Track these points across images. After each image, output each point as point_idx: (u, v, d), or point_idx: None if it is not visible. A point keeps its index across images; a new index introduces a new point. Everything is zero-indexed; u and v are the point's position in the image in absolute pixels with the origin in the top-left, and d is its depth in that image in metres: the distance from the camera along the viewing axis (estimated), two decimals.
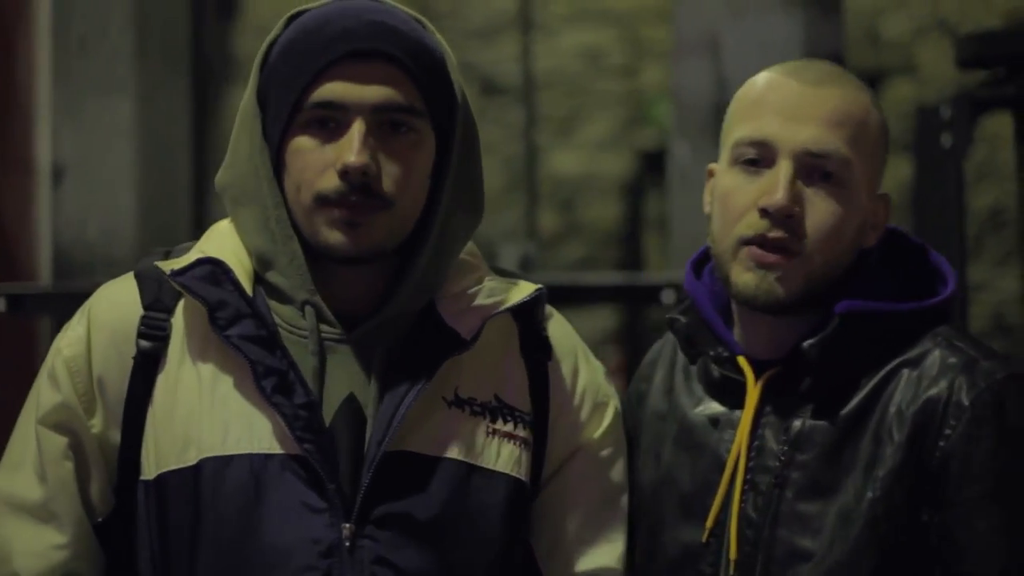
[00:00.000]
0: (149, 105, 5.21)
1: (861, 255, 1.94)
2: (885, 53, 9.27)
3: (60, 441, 1.88)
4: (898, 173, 8.68)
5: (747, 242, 1.90)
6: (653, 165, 9.11)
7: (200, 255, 1.88)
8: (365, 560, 1.79)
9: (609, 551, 1.97)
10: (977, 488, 1.81)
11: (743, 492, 1.90)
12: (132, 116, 5.15)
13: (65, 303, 5.46)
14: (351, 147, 1.80)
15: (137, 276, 1.93)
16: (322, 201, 1.82)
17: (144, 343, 1.87)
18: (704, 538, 1.91)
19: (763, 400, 1.92)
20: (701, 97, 5.22)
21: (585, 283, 6.93)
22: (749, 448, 1.91)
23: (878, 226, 1.96)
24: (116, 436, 1.88)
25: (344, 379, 1.84)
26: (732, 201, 1.93)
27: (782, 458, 1.89)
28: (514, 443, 1.89)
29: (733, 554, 1.88)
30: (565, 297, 7.19)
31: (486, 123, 10.32)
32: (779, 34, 5.13)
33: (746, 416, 1.91)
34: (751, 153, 1.94)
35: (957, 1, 8.99)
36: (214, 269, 1.84)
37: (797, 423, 1.90)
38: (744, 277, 1.89)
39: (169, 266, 1.87)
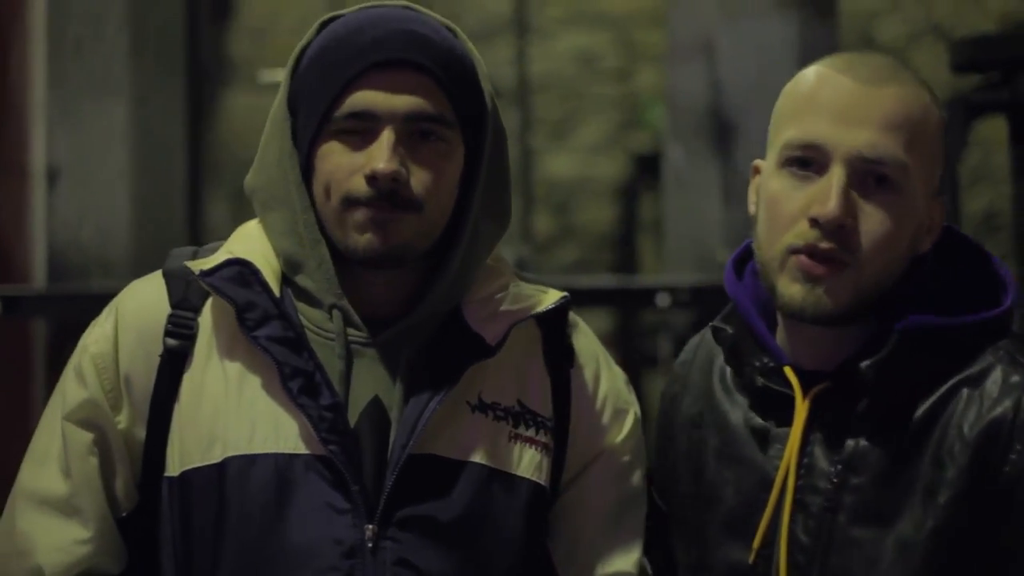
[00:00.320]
0: (144, 107, 5.21)
1: (915, 260, 1.83)
2: None
3: (86, 437, 1.90)
4: None
5: (796, 251, 1.79)
6: (647, 168, 9.11)
7: (228, 256, 1.90)
8: (387, 561, 1.81)
9: (626, 556, 1.97)
10: None
11: (792, 513, 1.80)
12: (127, 118, 5.16)
13: (60, 305, 5.46)
14: (381, 154, 1.82)
15: (165, 275, 1.94)
16: (350, 203, 1.84)
17: (171, 341, 1.89)
18: (751, 559, 1.82)
19: (812, 415, 1.81)
20: (695, 100, 5.23)
21: (580, 286, 6.93)
22: (798, 466, 1.81)
23: (933, 229, 1.86)
24: (141, 433, 1.90)
25: (369, 382, 1.86)
26: (781, 207, 1.81)
27: (835, 480, 1.79)
28: (535, 448, 1.90)
29: None
30: None
31: None
32: (773, 38, 5.13)
33: (795, 432, 1.81)
34: (801, 156, 1.81)
35: (951, 5, 9.00)
36: (242, 270, 1.86)
37: (851, 443, 1.79)
38: (791, 289, 1.79)
39: (198, 266, 1.89)
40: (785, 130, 1.84)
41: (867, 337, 1.80)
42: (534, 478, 1.90)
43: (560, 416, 1.93)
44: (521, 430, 1.89)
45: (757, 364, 1.86)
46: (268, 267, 1.88)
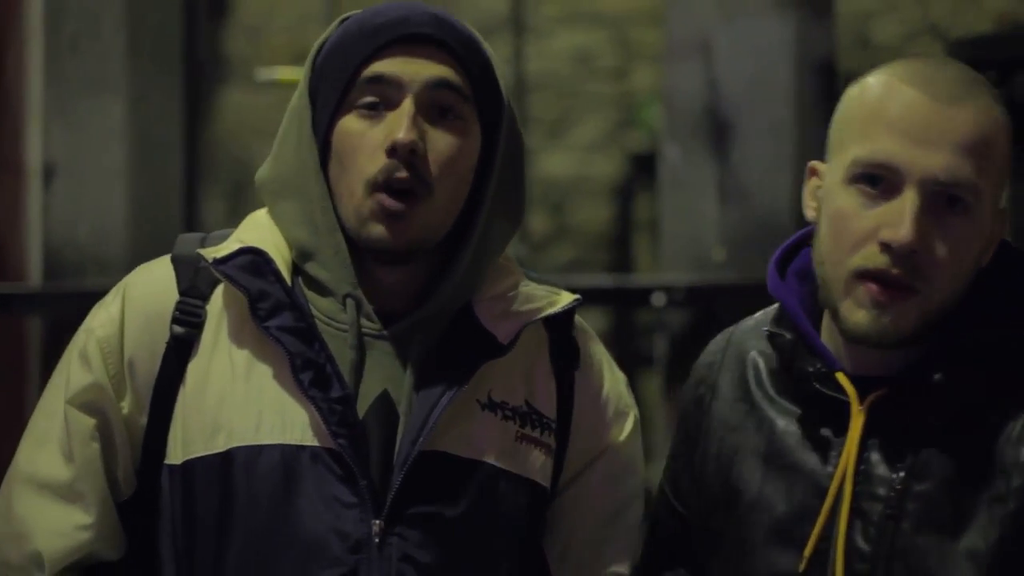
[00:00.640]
0: (140, 105, 5.21)
1: (979, 274, 1.79)
2: (876, 57, 9.27)
3: (89, 422, 1.88)
4: None
5: (864, 276, 1.73)
6: (644, 167, 9.11)
7: (240, 244, 1.88)
8: (393, 557, 1.80)
9: (621, 559, 1.97)
10: None
11: (850, 520, 1.77)
12: (123, 116, 5.15)
13: (55, 303, 5.45)
14: (400, 124, 1.81)
15: (174, 260, 1.93)
16: (372, 187, 1.83)
17: (178, 328, 1.88)
18: (802, 567, 1.78)
19: (868, 422, 1.77)
20: (692, 100, 5.23)
21: (575, 285, 6.93)
22: (855, 472, 1.77)
23: (994, 241, 1.80)
24: (143, 419, 1.88)
25: (379, 375, 1.85)
26: (849, 225, 1.74)
27: (898, 487, 1.75)
28: (540, 449, 1.90)
29: None
30: None
31: None
32: (770, 37, 5.13)
33: (852, 439, 1.77)
34: (872, 175, 1.74)
35: (948, 5, 9.00)
36: (256, 259, 1.85)
37: (914, 451, 1.75)
38: (857, 315, 1.74)
39: (211, 254, 1.87)
40: (853, 145, 1.76)
41: (926, 348, 1.77)
42: (538, 479, 1.89)
43: (562, 417, 1.92)
44: (527, 430, 1.89)
45: (811, 369, 1.81)
46: (280, 256, 1.87)
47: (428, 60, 1.85)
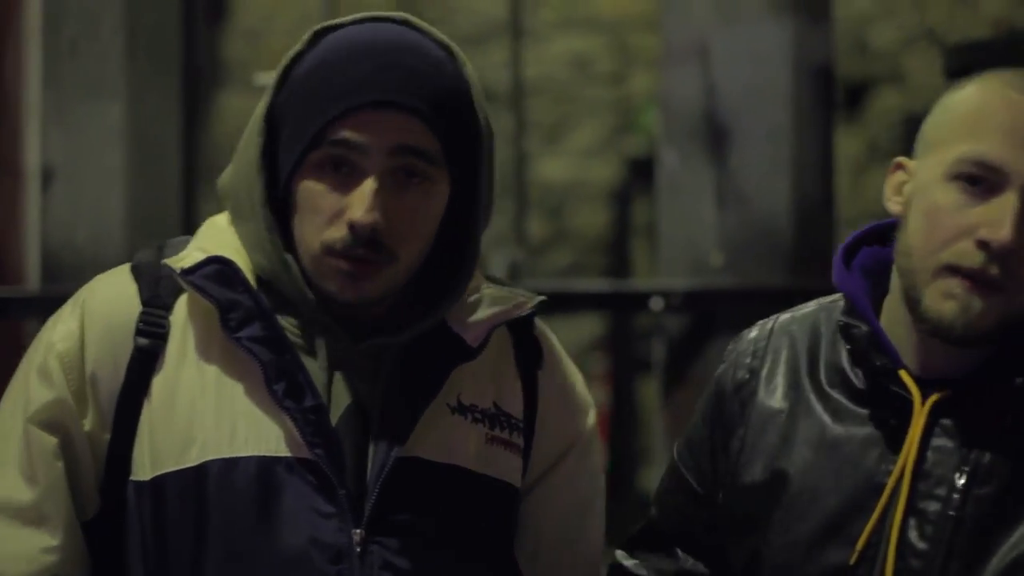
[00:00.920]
0: (139, 108, 5.21)
1: None
2: (873, 62, 9.29)
3: (51, 440, 1.82)
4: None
5: (955, 270, 1.76)
6: (641, 172, 9.12)
7: (202, 253, 1.84)
8: (375, 566, 1.78)
9: (591, 555, 1.97)
10: None
11: (904, 518, 1.80)
12: (122, 119, 5.15)
13: (53, 306, 5.44)
14: (362, 202, 1.78)
15: (134, 270, 1.89)
16: (328, 251, 1.80)
17: (142, 340, 1.83)
18: (853, 560, 1.80)
19: (929, 422, 1.80)
20: (690, 104, 5.23)
21: (573, 290, 6.94)
22: (914, 471, 1.80)
23: None
24: (106, 435, 1.83)
25: (349, 383, 1.83)
26: (945, 220, 1.77)
27: (960, 488, 1.78)
28: (510, 451, 1.88)
29: None
30: (553, 304, 7.18)
31: None
32: (768, 42, 5.14)
33: (913, 438, 1.79)
34: (975, 174, 1.77)
35: (945, 11, 9.01)
36: (223, 268, 1.82)
37: (977, 453, 1.78)
38: (944, 306, 1.76)
39: (177, 263, 1.83)
40: (958, 143, 1.79)
41: (992, 351, 1.80)
42: (510, 480, 1.89)
43: (528, 417, 1.92)
44: (497, 432, 1.88)
45: (878, 364, 1.83)
46: (245, 266, 1.84)
47: (397, 126, 1.80)
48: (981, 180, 1.77)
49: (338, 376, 1.83)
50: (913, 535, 1.79)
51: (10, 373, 1.97)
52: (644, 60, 9.44)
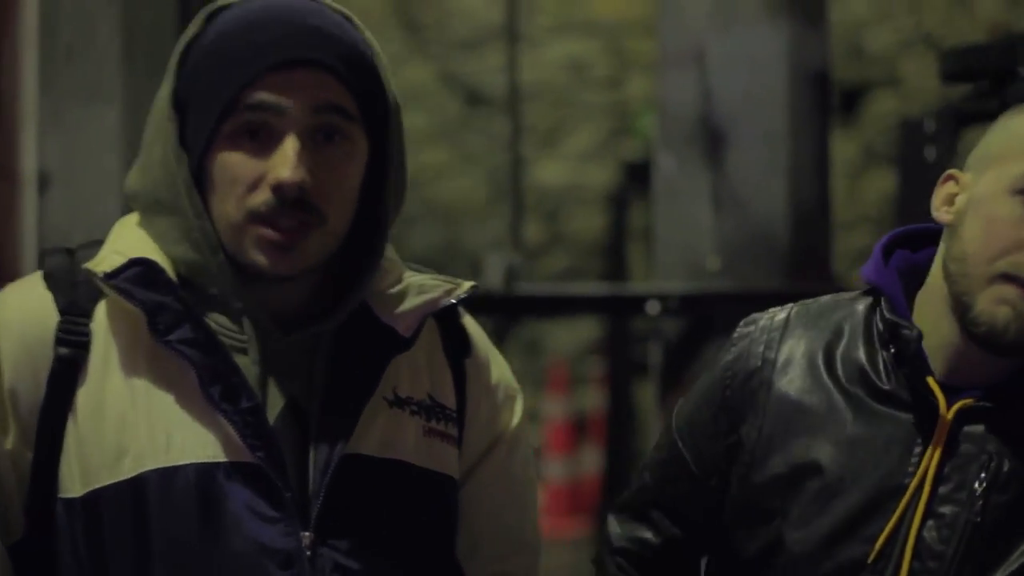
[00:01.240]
0: (136, 113, 5.21)
1: None
2: (869, 66, 9.29)
3: None
4: (882, 185, 8.70)
5: (1012, 279, 1.82)
6: (637, 176, 9.12)
7: (120, 255, 1.76)
8: (326, 568, 1.72)
9: (527, 545, 1.94)
10: None
11: (923, 520, 1.85)
12: (118, 123, 5.16)
13: None
14: (285, 161, 1.71)
15: (47, 278, 1.78)
16: (253, 218, 1.72)
17: (64, 350, 1.73)
18: (871, 559, 1.85)
19: (954, 428, 1.85)
20: (686, 109, 5.24)
21: (570, 294, 6.94)
22: (935, 475, 1.85)
23: None
24: (30, 453, 1.73)
25: (284, 381, 1.76)
26: (1004, 231, 1.83)
27: (979, 495, 1.84)
28: (447, 442, 1.83)
29: None
30: (550, 308, 7.20)
31: (471, 134, 10.32)
32: (764, 47, 5.14)
33: (937, 443, 1.85)
34: None
35: (941, 15, 9.01)
36: (147, 271, 1.73)
37: (999, 461, 1.85)
38: (996, 310, 1.82)
39: (98, 267, 1.74)
40: (1021, 160, 1.86)
41: (1018, 365, 1.86)
42: (450, 472, 1.84)
43: (459, 408, 1.87)
44: (433, 424, 1.83)
45: (907, 368, 1.88)
46: (166, 265, 1.75)
47: (309, 85, 1.73)
48: None
49: (271, 373, 1.77)
50: (931, 536, 1.84)
51: None
52: (641, 65, 9.44)
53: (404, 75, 9.84)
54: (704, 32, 5.20)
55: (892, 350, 1.89)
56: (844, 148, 8.51)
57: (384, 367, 1.79)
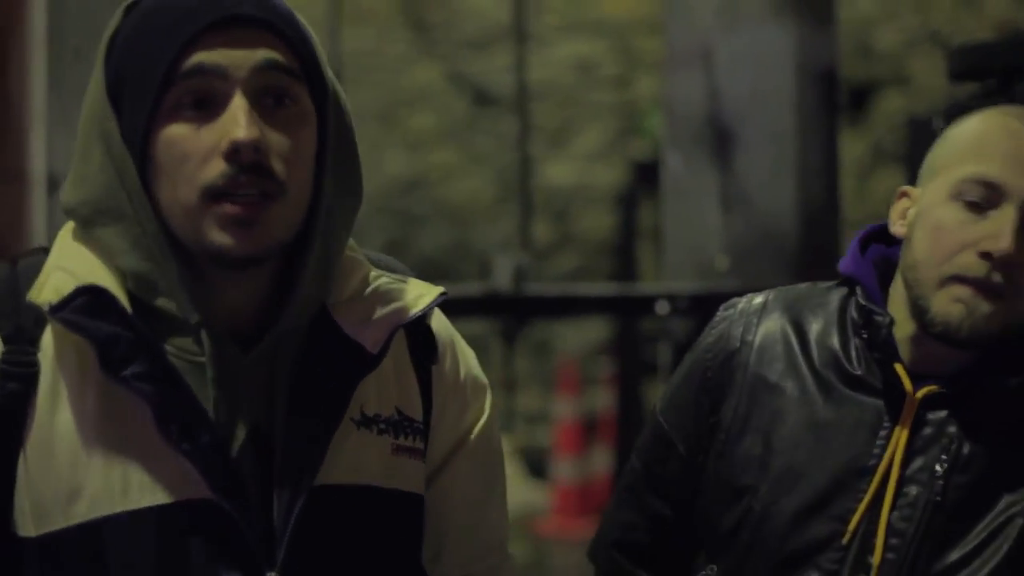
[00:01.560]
0: None
1: None
2: (877, 65, 9.29)
3: None
4: (891, 184, 8.69)
5: (960, 280, 1.91)
6: (646, 176, 9.12)
7: (66, 274, 1.63)
8: None
9: (493, 543, 1.84)
10: None
11: (892, 501, 1.93)
12: None
13: None
14: (236, 121, 1.58)
15: None
16: (210, 195, 1.59)
17: (11, 385, 1.61)
18: (845, 540, 1.93)
19: (919, 414, 1.95)
20: (693, 108, 5.24)
21: (579, 294, 6.93)
22: (903, 458, 1.94)
23: None
24: None
25: (247, 407, 1.64)
26: (948, 236, 1.92)
27: (940, 476, 1.93)
28: (414, 457, 1.73)
29: (877, 559, 1.93)
30: (559, 308, 7.20)
31: (479, 134, 10.33)
32: (771, 46, 5.14)
33: (903, 427, 1.94)
34: (976, 193, 1.93)
35: (949, 13, 9.01)
36: (96, 300, 1.60)
37: (959, 445, 1.94)
38: (952, 308, 1.91)
39: (44, 298, 1.61)
40: (961, 166, 1.95)
41: (980, 355, 1.94)
42: (416, 489, 1.74)
43: (425, 413, 1.77)
44: (401, 440, 1.72)
45: (876, 355, 1.97)
46: (117, 289, 1.62)
47: (250, 42, 1.61)
48: (982, 198, 1.92)
49: (235, 400, 1.64)
50: (895, 516, 1.93)
51: None
52: (648, 64, 9.44)
53: (412, 75, 9.85)
54: (712, 31, 5.20)
55: (864, 336, 1.98)
56: (852, 147, 8.51)
57: (352, 389, 1.67)
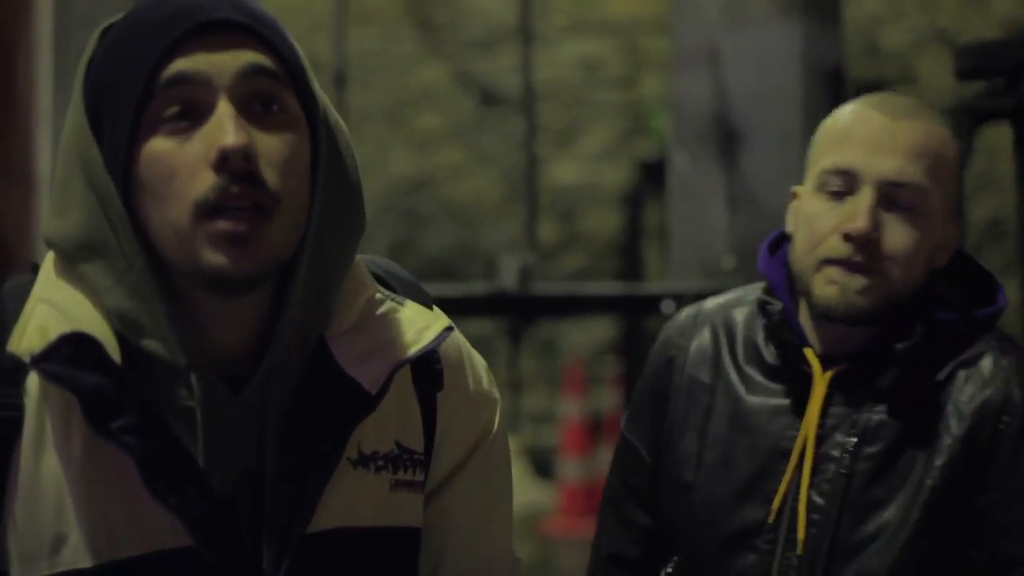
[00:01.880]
0: None
1: (932, 273, 2.13)
2: (884, 63, 9.28)
3: None
4: None
5: (830, 262, 2.06)
6: (652, 175, 9.12)
7: (49, 307, 1.57)
8: None
9: (496, 557, 1.77)
10: (1018, 477, 2.04)
11: (810, 478, 2.07)
12: None
13: None
14: (223, 128, 1.50)
15: None
16: (202, 211, 1.51)
17: None
18: (771, 519, 2.08)
19: (829, 393, 2.09)
20: (700, 107, 5.23)
21: (585, 293, 6.94)
22: (816, 436, 2.08)
23: (949, 247, 2.14)
24: None
25: (237, 450, 1.58)
26: (817, 224, 2.08)
27: (850, 449, 2.07)
28: (414, 491, 1.67)
29: (801, 535, 2.06)
30: (565, 308, 7.20)
31: (485, 134, 10.33)
32: (778, 45, 5.14)
33: (814, 406, 2.08)
34: (836, 182, 2.09)
35: (955, 12, 9.00)
36: (81, 350, 1.53)
37: (866, 417, 2.07)
38: (828, 290, 2.05)
39: (24, 347, 1.53)
40: (823, 159, 2.11)
41: (879, 332, 2.08)
42: (415, 524, 1.68)
43: (427, 441, 1.70)
44: (400, 475, 1.65)
45: (786, 340, 2.11)
46: (103, 333, 1.55)
47: (234, 47, 1.53)
48: (843, 186, 2.08)
49: (226, 444, 1.58)
50: (814, 493, 2.07)
51: None
52: (654, 63, 9.44)
53: (418, 75, 9.85)
54: (718, 30, 5.19)
55: (763, 323, 2.14)
56: None
57: (349, 433, 1.59)
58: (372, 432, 1.63)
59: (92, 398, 1.52)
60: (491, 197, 9.80)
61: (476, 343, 1.82)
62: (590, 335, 9.38)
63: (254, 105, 1.54)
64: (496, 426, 1.75)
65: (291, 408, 1.59)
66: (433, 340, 1.64)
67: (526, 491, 8.45)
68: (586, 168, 9.93)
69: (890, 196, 2.06)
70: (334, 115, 1.62)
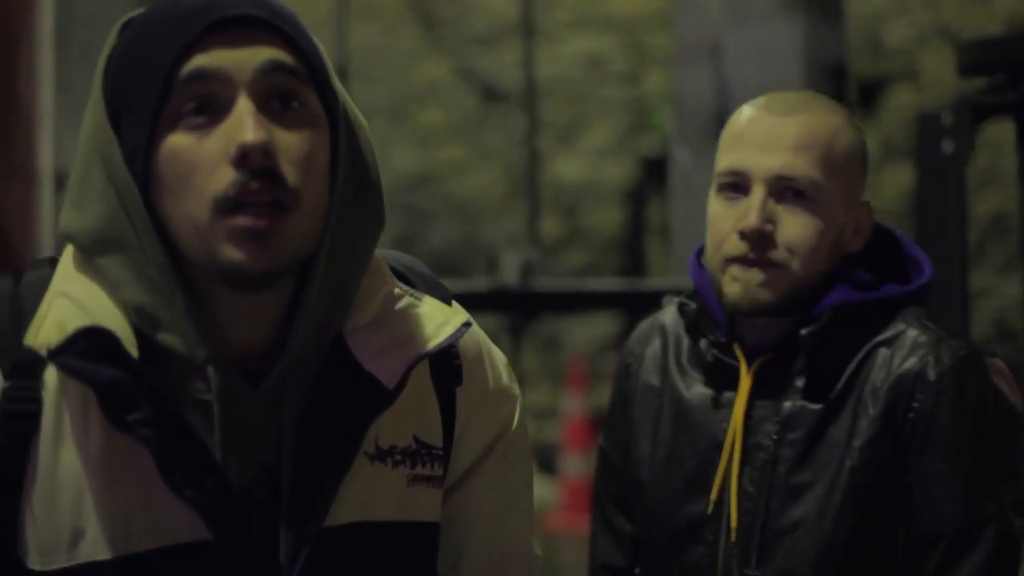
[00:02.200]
0: None
1: (847, 258, 2.18)
2: (886, 60, 9.28)
3: None
4: (900, 180, 8.69)
5: (732, 260, 2.13)
6: (655, 171, 9.12)
7: (70, 303, 1.58)
8: None
9: (518, 552, 1.78)
10: (937, 456, 2.08)
11: (740, 467, 2.14)
12: None
13: None
14: (243, 124, 1.51)
15: None
16: (221, 207, 1.52)
17: (13, 424, 1.57)
18: (709, 510, 2.14)
19: (755, 384, 2.15)
20: (702, 103, 5.23)
21: (587, 289, 6.94)
22: (744, 427, 2.15)
23: (861, 232, 2.19)
24: None
25: (255, 445, 1.59)
26: (717, 225, 2.16)
27: (774, 437, 2.13)
28: (432, 486, 1.67)
29: (734, 523, 2.13)
30: (567, 304, 7.21)
31: (488, 129, 10.33)
32: (780, 41, 5.13)
33: (740, 398, 2.15)
34: (731, 182, 2.16)
35: (958, 8, 8.99)
36: (98, 344, 1.54)
37: (787, 404, 2.13)
38: (732, 288, 2.12)
39: (42, 340, 1.54)
40: (720, 163, 2.18)
41: (799, 320, 2.15)
42: (433, 518, 1.68)
43: (446, 436, 1.70)
44: (418, 470, 1.66)
45: (711, 338, 2.19)
46: (121, 327, 1.56)
47: (254, 43, 1.54)
48: (737, 186, 2.15)
49: (243, 438, 1.59)
50: (746, 481, 2.14)
51: None
52: (657, 59, 9.44)
53: (421, 71, 9.85)
54: (720, 26, 5.19)
55: (684, 323, 2.22)
56: None
57: (367, 427, 1.60)
58: (390, 427, 1.63)
59: (109, 391, 1.53)
60: (493, 193, 9.80)
61: None
62: (592, 331, 9.39)
63: (273, 101, 1.54)
64: (516, 422, 1.75)
65: (308, 402, 1.59)
66: (451, 335, 1.64)
67: None
68: (588, 164, 9.93)
69: (782, 189, 2.12)
70: (354, 111, 1.62)
